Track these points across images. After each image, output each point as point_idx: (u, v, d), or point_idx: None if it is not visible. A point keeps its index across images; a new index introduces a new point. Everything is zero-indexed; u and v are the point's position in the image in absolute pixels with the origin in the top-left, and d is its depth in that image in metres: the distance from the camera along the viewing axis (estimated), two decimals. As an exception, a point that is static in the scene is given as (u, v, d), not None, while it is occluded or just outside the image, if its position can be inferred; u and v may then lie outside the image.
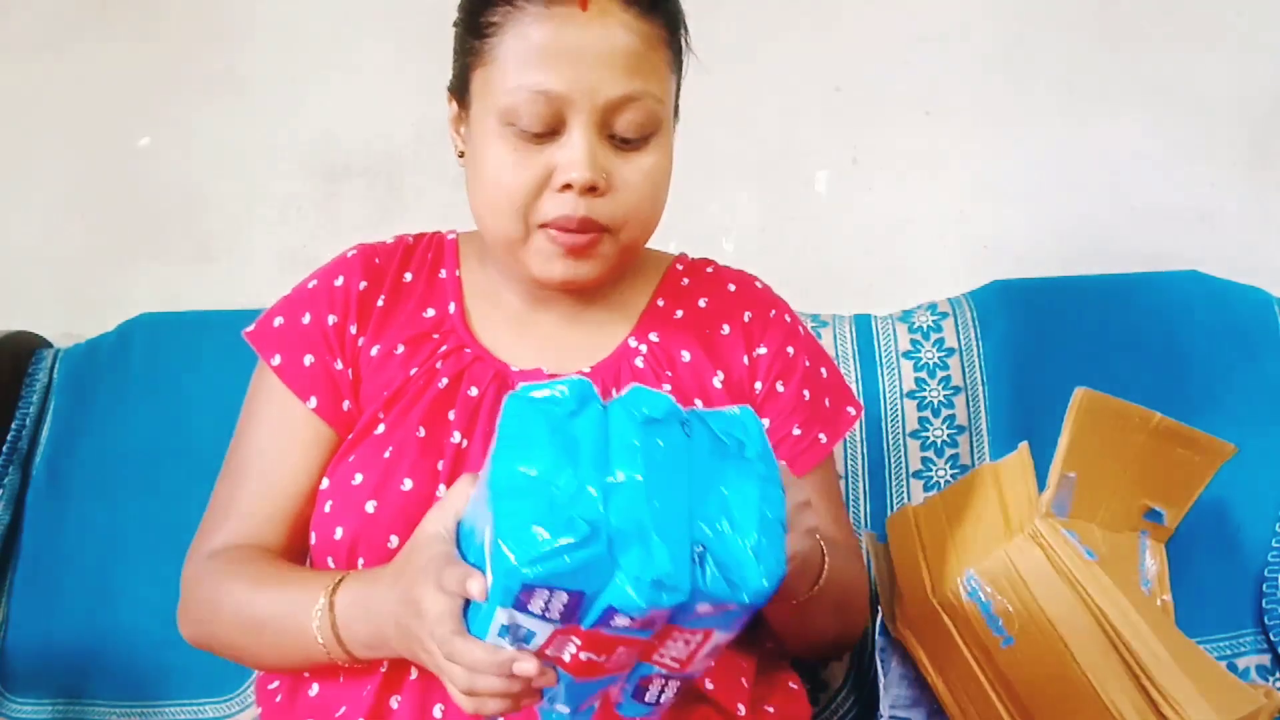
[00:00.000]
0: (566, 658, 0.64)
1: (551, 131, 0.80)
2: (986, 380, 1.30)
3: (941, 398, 1.31)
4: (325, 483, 0.88)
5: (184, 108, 1.64)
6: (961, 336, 1.33)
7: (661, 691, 0.70)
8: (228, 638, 0.87)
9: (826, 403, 0.96)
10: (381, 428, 0.87)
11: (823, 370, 0.98)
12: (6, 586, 1.32)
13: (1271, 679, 1.18)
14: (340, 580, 0.80)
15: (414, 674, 0.82)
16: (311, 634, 0.79)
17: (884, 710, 1.02)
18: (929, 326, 1.35)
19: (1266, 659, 1.19)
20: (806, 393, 0.95)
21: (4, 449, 1.35)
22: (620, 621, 0.61)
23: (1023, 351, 1.31)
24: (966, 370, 1.31)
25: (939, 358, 1.33)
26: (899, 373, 1.33)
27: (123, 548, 1.30)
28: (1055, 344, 1.31)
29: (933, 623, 1.03)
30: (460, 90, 0.87)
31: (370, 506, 0.83)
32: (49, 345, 1.47)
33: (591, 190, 0.81)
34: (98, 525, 1.31)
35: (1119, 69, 1.53)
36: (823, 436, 0.95)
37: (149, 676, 1.25)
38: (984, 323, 1.34)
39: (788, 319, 0.99)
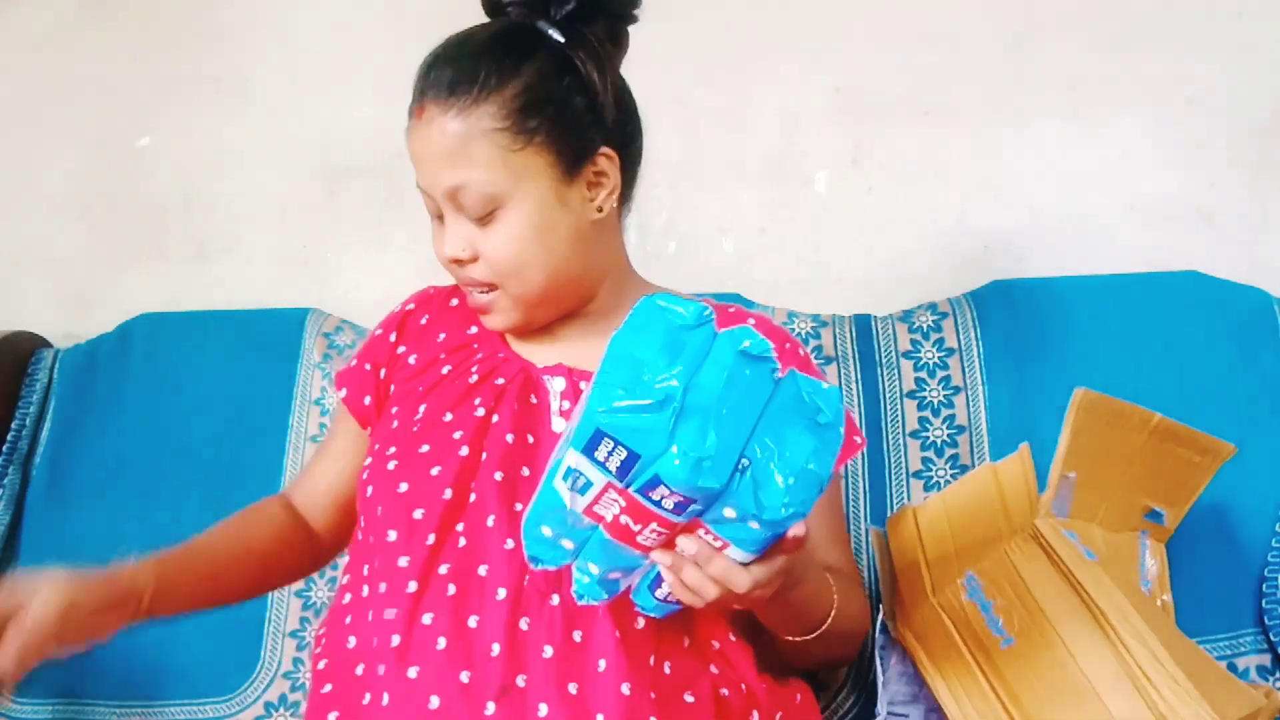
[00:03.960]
0: (609, 517, 0.74)
1: (440, 215, 0.97)
2: (986, 380, 1.30)
3: (941, 398, 1.31)
4: (365, 474, 0.98)
5: (184, 108, 1.64)
6: (961, 336, 1.33)
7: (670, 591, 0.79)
8: None
9: None
10: (419, 415, 0.98)
11: None
12: (6, 586, 1.32)
13: (1271, 679, 1.18)
14: None
15: (452, 590, 0.89)
16: None
17: (882, 708, 1.03)
18: (929, 326, 1.35)
19: (1266, 659, 1.19)
20: None
21: (4, 449, 1.36)
22: (661, 494, 0.71)
23: (1023, 351, 1.31)
24: (966, 370, 1.32)
25: (939, 358, 1.33)
26: (899, 373, 1.33)
27: (123, 548, 1.30)
28: (1055, 344, 1.31)
29: (933, 623, 1.03)
30: None
31: (402, 487, 0.94)
32: (49, 345, 1.48)
33: (459, 262, 0.96)
34: (98, 525, 1.31)
35: (1119, 69, 1.53)
36: None
37: (149, 676, 1.25)
38: (984, 323, 1.34)
39: (801, 353, 1.05)
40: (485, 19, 0.99)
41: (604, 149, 0.96)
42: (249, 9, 1.65)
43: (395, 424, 1.00)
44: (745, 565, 0.76)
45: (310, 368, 1.38)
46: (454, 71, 0.93)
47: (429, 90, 0.93)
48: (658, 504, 0.71)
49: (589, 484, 0.72)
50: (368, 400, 1.04)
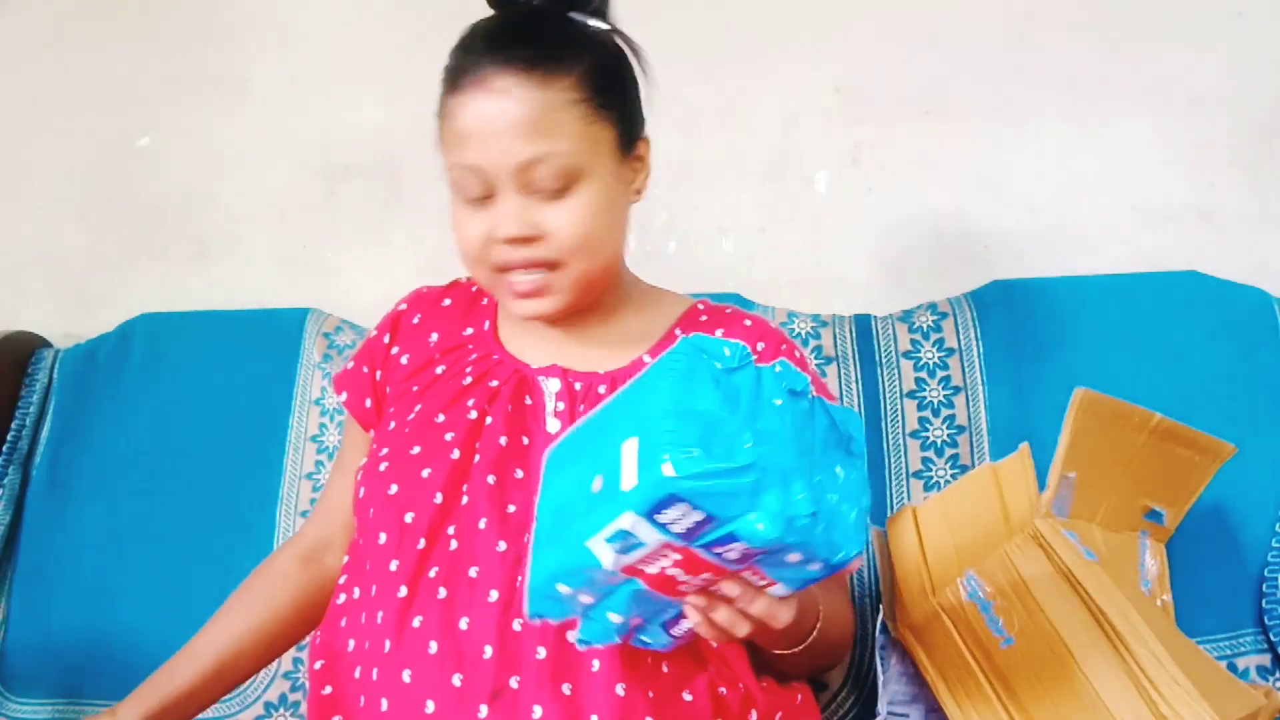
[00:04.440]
0: (653, 571, 0.69)
1: (488, 195, 0.92)
2: (986, 380, 1.30)
3: (941, 398, 1.31)
4: (359, 474, 0.98)
5: (184, 108, 1.64)
6: (961, 336, 1.33)
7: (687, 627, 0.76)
8: None
9: None
10: (412, 415, 0.98)
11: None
12: (6, 586, 1.32)
13: (1271, 679, 1.18)
14: None
15: (442, 593, 0.89)
16: None
17: (882, 708, 1.03)
18: (929, 326, 1.35)
19: (1266, 659, 1.19)
20: None
21: (4, 449, 1.36)
22: (730, 550, 0.67)
23: (1023, 351, 1.31)
24: (966, 370, 1.32)
25: (939, 358, 1.33)
26: (899, 373, 1.33)
27: (123, 548, 1.30)
28: (1055, 344, 1.31)
29: (933, 623, 1.03)
30: None
31: (392, 489, 0.93)
32: (49, 345, 1.48)
33: (524, 240, 0.92)
34: (98, 525, 1.31)
35: (1119, 69, 1.53)
36: None
37: (149, 676, 1.25)
38: (984, 323, 1.34)
39: (798, 354, 1.05)
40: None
41: (644, 134, 0.99)
42: (249, 9, 1.65)
43: (391, 425, 0.99)
44: (784, 600, 0.74)
45: (310, 368, 1.38)
46: (532, 44, 0.92)
47: (499, 62, 0.91)
48: (720, 556, 0.68)
49: (640, 544, 0.67)
50: (368, 403, 1.05)
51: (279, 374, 1.38)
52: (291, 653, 1.26)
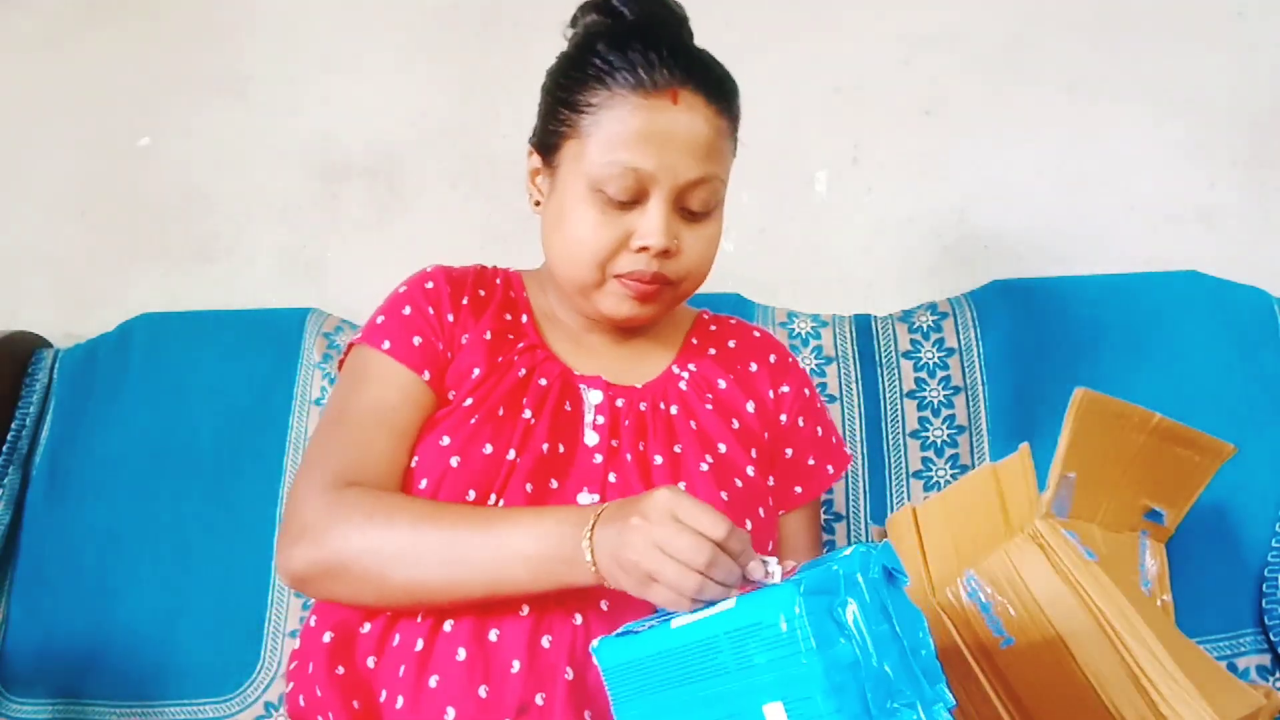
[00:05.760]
0: None
1: (634, 201, 0.94)
2: (986, 380, 1.30)
3: (941, 398, 1.31)
4: (415, 461, 0.96)
5: (184, 108, 1.64)
6: (961, 336, 1.33)
7: None
8: (384, 557, 0.86)
9: (834, 440, 1.12)
10: (470, 401, 0.97)
11: (828, 414, 1.13)
12: (6, 586, 1.32)
13: (1271, 679, 1.18)
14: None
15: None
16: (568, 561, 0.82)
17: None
18: (929, 326, 1.35)
19: (1266, 659, 1.19)
20: (819, 429, 1.10)
21: (4, 449, 1.35)
22: None
23: (1023, 351, 1.31)
24: (966, 370, 1.32)
25: (939, 358, 1.33)
26: (899, 373, 1.33)
27: (123, 548, 1.30)
28: (1055, 344, 1.31)
29: (933, 623, 1.03)
30: (547, 151, 0.99)
31: (454, 461, 0.92)
32: (49, 345, 1.48)
33: (664, 253, 0.95)
34: (98, 525, 1.31)
35: (1119, 69, 1.53)
36: (830, 468, 1.09)
37: (149, 676, 1.25)
38: (984, 323, 1.34)
39: (801, 366, 1.12)
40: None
41: None
42: (249, 9, 1.65)
43: (451, 394, 0.97)
44: None
45: (310, 368, 1.38)
46: (716, 73, 0.97)
47: (690, 80, 0.93)
48: None
49: None
50: (427, 375, 0.99)
51: (279, 374, 1.38)
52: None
